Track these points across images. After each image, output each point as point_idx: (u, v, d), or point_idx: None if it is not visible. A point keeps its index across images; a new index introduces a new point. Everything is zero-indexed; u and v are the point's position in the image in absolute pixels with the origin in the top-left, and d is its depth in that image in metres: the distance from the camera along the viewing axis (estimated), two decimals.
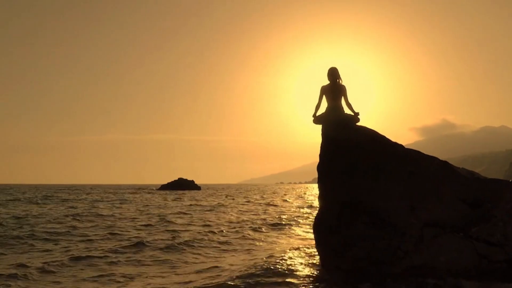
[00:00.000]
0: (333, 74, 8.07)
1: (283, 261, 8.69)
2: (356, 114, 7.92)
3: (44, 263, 8.79)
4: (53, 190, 76.84)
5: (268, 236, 13.11)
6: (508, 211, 6.96)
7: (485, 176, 7.68)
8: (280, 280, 7.07)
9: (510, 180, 7.68)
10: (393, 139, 7.75)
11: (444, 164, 7.45)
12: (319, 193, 8.07)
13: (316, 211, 8.38)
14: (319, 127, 8.18)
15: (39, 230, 13.94)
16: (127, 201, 35.55)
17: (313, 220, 8.15)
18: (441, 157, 7.82)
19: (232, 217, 19.53)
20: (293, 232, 14.30)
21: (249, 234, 13.30)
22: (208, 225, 15.84)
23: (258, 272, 7.56)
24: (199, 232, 13.37)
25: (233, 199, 40.10)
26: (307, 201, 34.83)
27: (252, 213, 22.38)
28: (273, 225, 16.00)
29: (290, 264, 8.22)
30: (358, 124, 7.92)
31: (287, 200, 38.07)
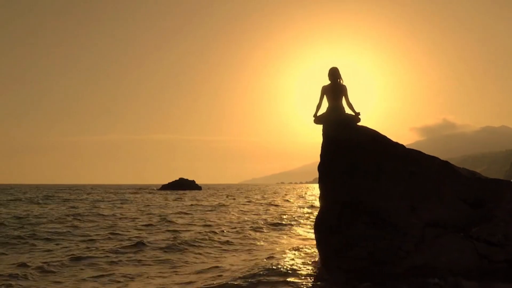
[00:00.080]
0: (334, 74, 8.08)
1: (284, 261, 8.70)
2: (357, 114, 7.92)
3: (45, 263, 8.79)
4: (54, 190, 76.90)
5: (269, 236, 13.11)
6: (509, 211, 6.96)
7: (486, 176, 7.67)
8: (281, 279, 7.07)
9: (511, 180, 7.68)
10: (394, 139, 7.76)
11: (445, 164, 7.45)
12: (320, 193, 8.07)
13: (317, 211, 8.38)
14: (320, 127, 8.18)
15: (40, 230, 13.96)
16: (128, 201, 35.57)
17: (314, 220, 8.15)
18: (442, 157, 7.82)
19: (233, 217, 19.53)
20: (294, 232, 14.29)
21: (250, 234, 13.30)
22: (209, 225, 15.84)
23: (259, 272, 7.56)
24: (200, 232, 13.37)
25: (234, 199, 40.10)
26: (308, 201, 34.82)
27: (253, 213, 22.37)
28: (274, 225, 16.00)
29: (291, 264, 8.22)
30: (359, 124, 7.92)
31: (288, 200, 38.06)
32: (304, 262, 8.42)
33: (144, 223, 16.44)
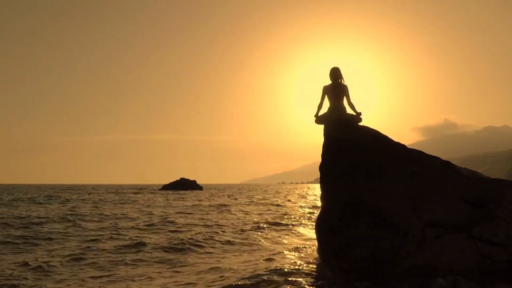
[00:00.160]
0: (335, 74, 8.08)
1: (286, 260, 8.70)
2: (358, 114, 7.92)
3: (46, 262, 8.81)
4: (55, 190, 77.00)
5: (271, 236, 13.11)
6: (510, 211, 6.95)
7: (488, 176, 7.67)
8: (282, 279, 7.08)
9: None
10: (395, 139, 7.75)
11: (447, 164, 7.45)
12: (321, 193, 8.07)
13: (319, 211, 8.38)
14: (321, 127, 8.18)
15: (42, 230, 13.98)
16: (129, 201, 35.60)
17: (316, 220, 8.15)
18: (443, 157, 7.81)
19: (234, 217, 19.54)
20: (295, 232, 14.29)
21: (252, 234, 13.29)
22: (211, 225, 15.84)
23: (261, 272, 7.57)
24: (202, 232, 13.37)
25: (236, 199, 40.10)
26: (309, 201, 34.81)
27: (255, 213, 22.37)
28: (275, 224, 16.00)
29: (293, 264, 8.23)
30: (360, 124, 7.92)
31: (290, 200, 38.06)
32: (306, 262, 8.43)
33: (146, 223, 16.44)
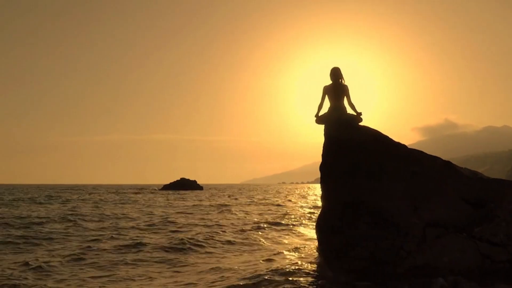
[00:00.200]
0: (336, 74, 8.08)
1: (287, 260, 8.71)
2: (359, 114, 7.92)
3: (47, 262, 8.82)
4: (55, 190, 77.03)
5: (272, 236, 13.11)
6: (511, 211, 6.95)
7: (488, 176, 7.66)
8: (283, 279, 7.08)
9: None
10: (396, 139, 7.75)
11: (447, 164, 7.45)
12: (322, 193, 8.07)
13: (319, 211, 8.38)
14: (321, 127, 8.18)
15: (42, 230, 14.00)
16: (129, 201, 35.61)
17: (316, 220, 8.15)
18: (444, 157, 7.81)
19: (235, 217, 19.54)
20: (296, 231, 14.29)
21: (253, 234, 13.30)
22: (211, 225, 15.85)
23: (261, 272, 7.57)
24: (202, 232, 13.38)
25: (236, 199, 40.11)
26: (310, 201, 34.82)
27: (255, 213, 22.38)
28: (276, 224, 16.01)
29: (293, 264, 8.23)
30: (360, 124, 7.92)
31: (291, 200, 38.07)
32: (306, 262, 8.43)
33: (146, 223, 16.45)
